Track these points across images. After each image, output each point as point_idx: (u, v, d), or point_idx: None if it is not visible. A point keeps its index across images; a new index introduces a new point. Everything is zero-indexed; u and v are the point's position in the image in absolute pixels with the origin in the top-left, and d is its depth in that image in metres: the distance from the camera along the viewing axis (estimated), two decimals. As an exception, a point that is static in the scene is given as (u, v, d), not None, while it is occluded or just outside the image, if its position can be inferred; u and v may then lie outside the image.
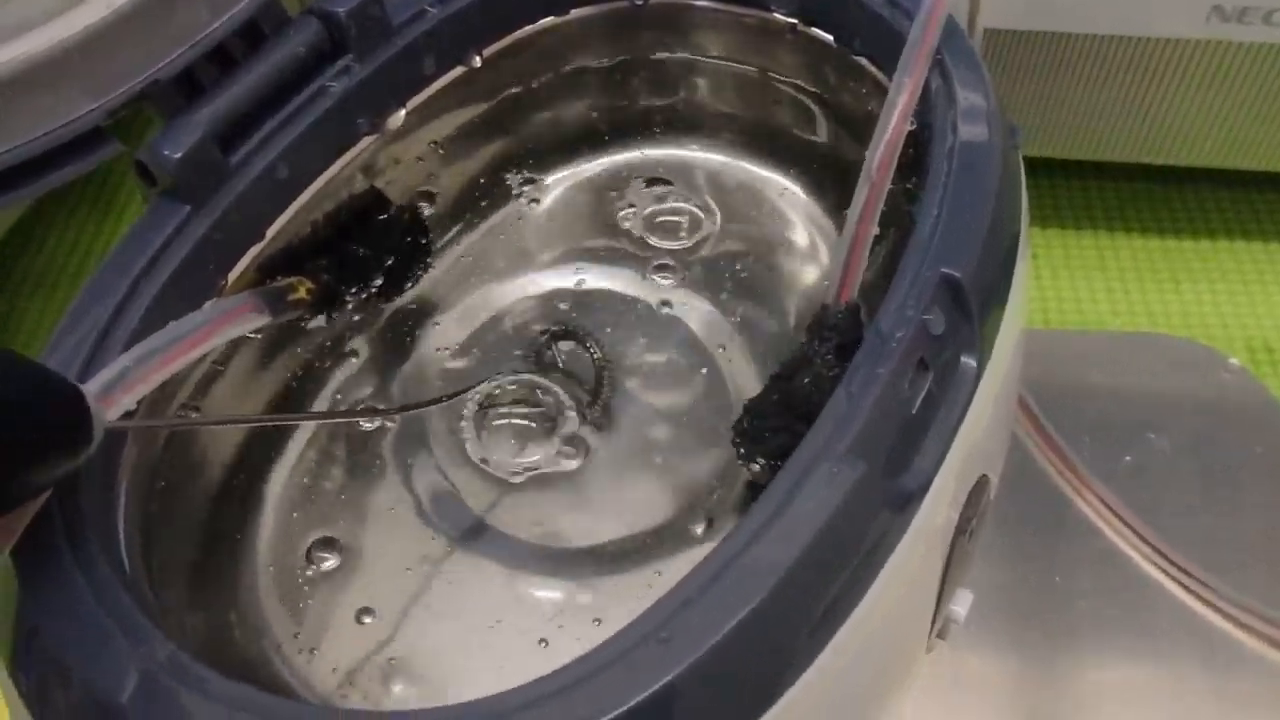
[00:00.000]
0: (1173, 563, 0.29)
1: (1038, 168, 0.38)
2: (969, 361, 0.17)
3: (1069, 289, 0.37)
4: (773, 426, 0.19)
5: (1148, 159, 0.37)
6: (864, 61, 0.23)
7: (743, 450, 0.19)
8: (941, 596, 0.18)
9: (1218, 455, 0.32)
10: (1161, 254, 0.38)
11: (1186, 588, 0.29)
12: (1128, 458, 0.32)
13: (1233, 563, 0.29)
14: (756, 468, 0.19)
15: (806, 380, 0.19)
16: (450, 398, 0.22)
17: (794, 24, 0.24)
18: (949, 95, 0.20)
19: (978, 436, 0.17)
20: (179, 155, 0.19)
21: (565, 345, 0.24)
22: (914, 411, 0.16)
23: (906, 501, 0.16)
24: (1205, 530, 0.30)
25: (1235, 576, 0.29)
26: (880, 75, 0.23)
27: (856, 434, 0.15)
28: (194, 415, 0.20)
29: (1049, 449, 0.32)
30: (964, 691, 0.27)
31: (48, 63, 0.18)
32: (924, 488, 0.16)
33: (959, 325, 0.17)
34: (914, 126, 0.20)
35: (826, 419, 0.15)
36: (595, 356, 0.23)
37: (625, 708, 0.13)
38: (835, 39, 0.23)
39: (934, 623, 0.18)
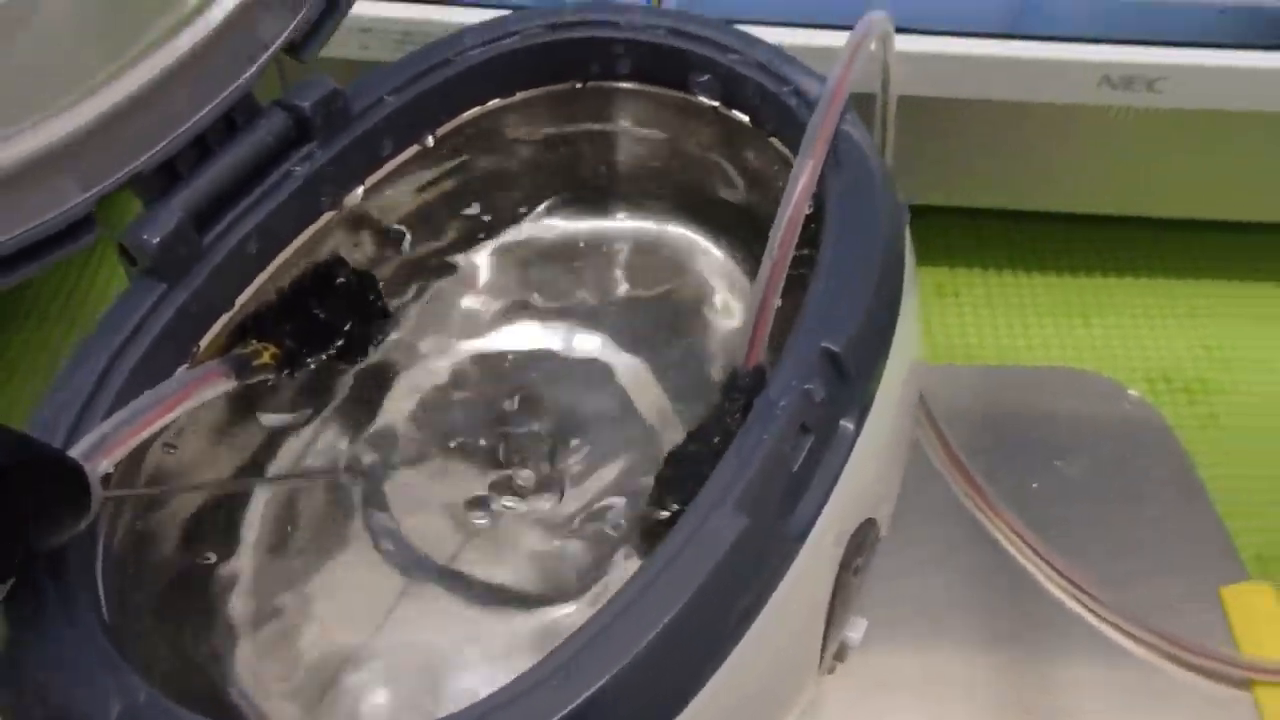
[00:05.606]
0: (1069, 579, 0.32)
1: (959, 214, 0.41)
2: (847, 424, 0.20)
3: (989, 326, 0.40)
4: (689, 476, 0.22)
5: (1057, 207, 0.41)
6: (776, 142, 0.26)
7: (662, 497, 0.22)
8: (831, 625, 0.21)
9: (1118, 479, 0.35)
10: (1076, 291, 0.41)
11: (1084, 604, 0.32)
12: (1035, 484, 0.35)
13: (1130, 576, 0.32)
14: (669, 513, 0.22)
15: (717, 438, 0.21)
16: (407, 464, 0.25)
17: (715, 106, 0.27)
18: (842, 178, 0.23)
19: (859, 487, 0.20)
20: (157, 240, 0.21)
21: (521, 413, 0.27)
22: (795, 469, 0.19)
23: (789, 546, 0.18)
24: (1106, 548, 0.33)
25: (1132, 588, 0.32)
26: (789, 154, 0.25)
27: (742, 491, 0.18)
28: (172, 453, 0.23)
29: (962, 478, 0.34)
30: (881, 692, 0.29)
31: (45, 158, 0.20)
32: (804, 534, 0.18)
33: (838, 392, 0.20)
34: (810, 210, 0.23)
35: (719, 476, 0.18)
36: (545, 429, 0.26)
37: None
38: (751, 120, 0.26)
39: (825, 649, 0.21)
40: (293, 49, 0.24)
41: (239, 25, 0.23)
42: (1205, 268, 0.41)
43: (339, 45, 0.25)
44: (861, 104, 0.26)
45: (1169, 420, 0.36)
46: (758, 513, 0.18)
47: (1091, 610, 0.32)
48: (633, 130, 0.28)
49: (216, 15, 0.22)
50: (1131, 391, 0.37)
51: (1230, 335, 0.39)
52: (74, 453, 0.18)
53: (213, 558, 0.24)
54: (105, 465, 0.19)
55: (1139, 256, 0.41)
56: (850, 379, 0.20)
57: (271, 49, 0.23)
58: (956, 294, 0.40)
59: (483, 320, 0.28)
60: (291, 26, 0.23)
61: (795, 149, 0.24)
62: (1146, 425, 0.36)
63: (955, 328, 0.39)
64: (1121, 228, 0.41)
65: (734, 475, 0.18)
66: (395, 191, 0.27)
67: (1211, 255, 0.41)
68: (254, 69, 0.23)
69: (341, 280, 0.25)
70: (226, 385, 0.22)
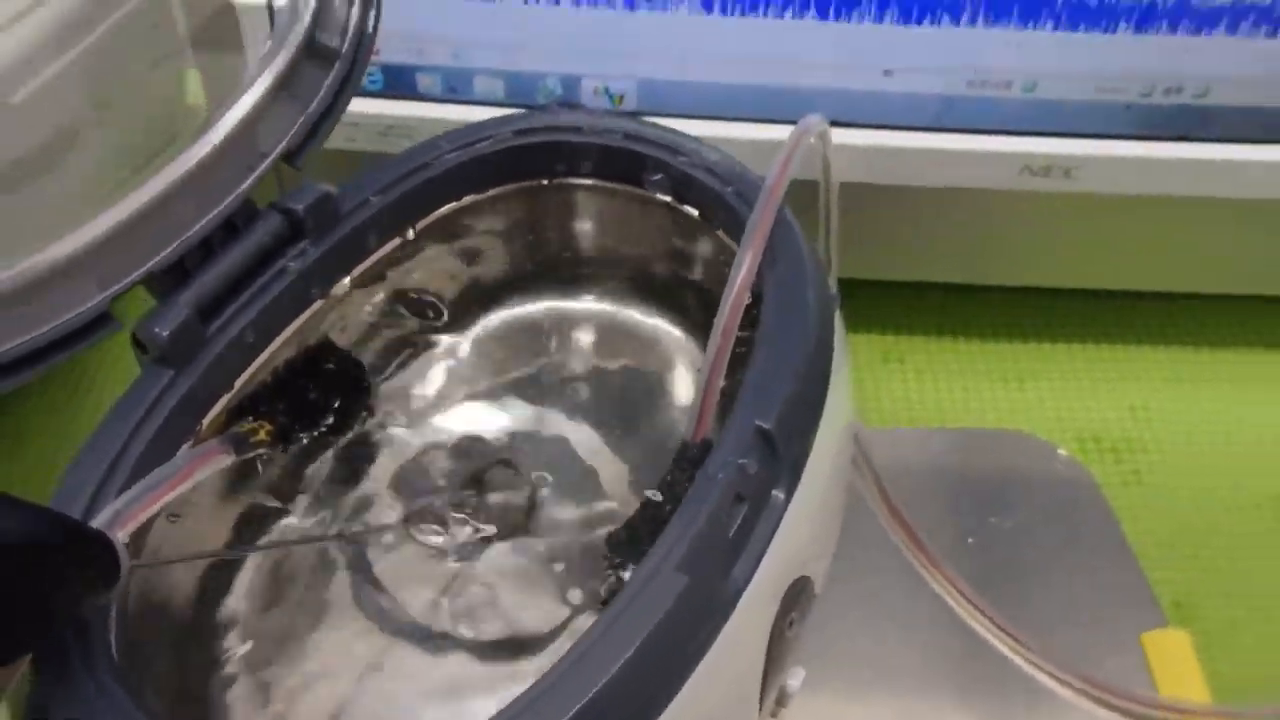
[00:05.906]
0: (1002, 628, 0.34)
1: (903, 287, 0.44)
2: (778, 494, 0.22)
3: (931, 390, 0.43)
4: (641, 540, 0.24)
5: (993, 280, 0.44)
6: (722, 234, 0.29)
7: (617, 559, 0.24)
8: (770, 674, 0.23)
9: (1049, 533, 0.37)
10: (1011, 358, 0.44)
11: (1016, 651, 0.34)
12: (971, 539, 0.37)
13: (1059, 624, 0.35)
14: (624, 574, 0.24)
15: (668, 506, 0.24)
16: (388, 527, 0.28)
17: (668, 201, 0.30)
18: (777, 270, 0.26)
19: (791, 549, 0.23)
20: (167, 333, 0.24)
21: (491, 482, 0.29)
22: (731, 535, 0.21)
23: (726, 603, 0.21)
24: (1037, 597, 0.36)
25: (1061, 635, 0.34)
26: (734, 246, 0.28)
27: (684, 554, 0.20)
28: (176, 522, 0.25)
29: (904, 533, 0.37)
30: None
31: (69, 264, 0.23)
32: (740, 592, 0.21)
33: (770, 465, 0.22)
34: (749, 300, 0.25)
35: (665, 540, 0.21)
36: (514, 497, 0.28)
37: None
38: (700, 215, 0.29)
39: (765, 696, 0.23)
40: (288, 157, 0.27)
41: (240, 140, 0.25)
42: (1131, 334, 0.44)
43: (329, 138, 0.28)
44: (809, 190, 0.29)
45: (1097, 478, 0.39)
46: (697, 573, 0.20)
47: (1024, 657, 0.34)
48: (595, 222, 0.31)
49: (220, 132, 0.25)
50: (1062, 451, 0.40)
51: (1154, 398, 0.42)
52: (93, 525, 0.20)
53: (212, 613, 0.26)
54: (121, 537, 0.21)
55: (1070, 325, 0.44)
56: (780, 454, 0.22)
57: (269, 159, 0.26)
58: (901, 360, 0.43)
59: (456, 396, 0.31)
60: (287, 138, 0.26)
61: (739, 241, 0.27)
62: (1076, 483, 0.39)
63: (899, 392, 0.42)
64: (1053, 298, 0.45)
65: (677, 540, 0.21)
66: (378, 280, 0.29)
67: (1137, 323, 0.44)
68: (253, 178, 0.26)
69: (330, 362, 0.28)
70: (226, 461, 0.25)
